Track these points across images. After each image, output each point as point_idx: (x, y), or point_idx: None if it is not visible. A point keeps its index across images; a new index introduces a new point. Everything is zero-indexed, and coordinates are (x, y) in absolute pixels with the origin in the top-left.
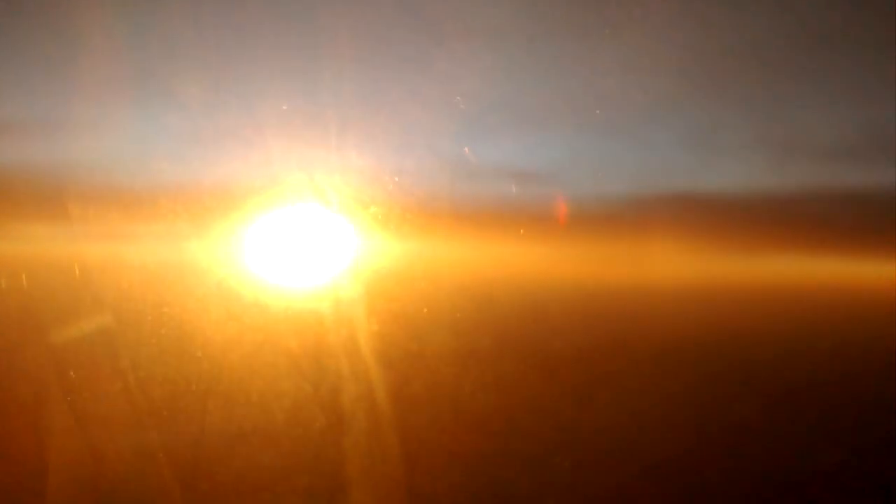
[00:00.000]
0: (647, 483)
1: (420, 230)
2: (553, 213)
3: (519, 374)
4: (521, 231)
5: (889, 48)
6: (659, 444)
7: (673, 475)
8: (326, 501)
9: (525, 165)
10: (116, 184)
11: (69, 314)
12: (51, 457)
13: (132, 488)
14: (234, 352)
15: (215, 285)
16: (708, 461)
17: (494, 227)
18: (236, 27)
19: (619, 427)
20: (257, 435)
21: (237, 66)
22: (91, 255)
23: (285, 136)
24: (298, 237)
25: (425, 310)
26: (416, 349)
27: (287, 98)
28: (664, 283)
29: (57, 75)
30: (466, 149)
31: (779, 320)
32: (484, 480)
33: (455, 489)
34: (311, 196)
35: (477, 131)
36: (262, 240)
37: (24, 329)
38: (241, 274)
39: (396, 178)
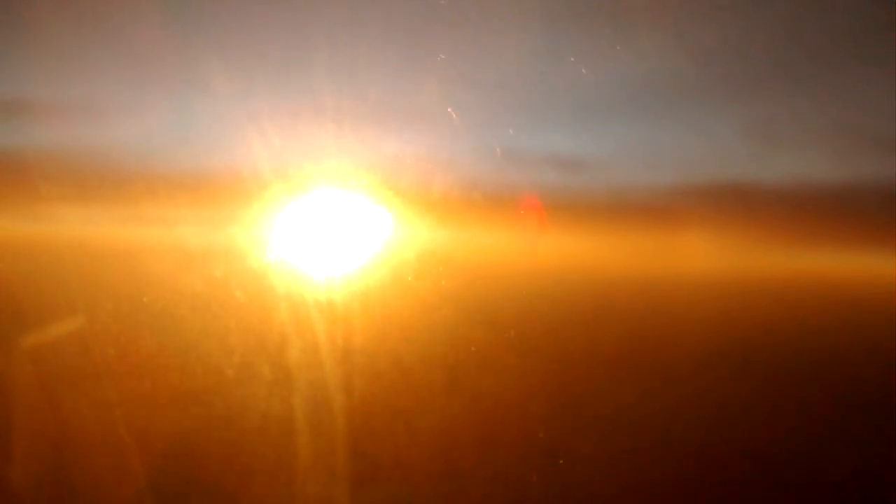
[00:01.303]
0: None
1: (455, 218)
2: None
3: (549, 366)
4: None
5: None
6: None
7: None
8: (345, 487)
9: (574, 153)
10: (146, 169)
11: (94, 295)
12: (71, 438)
13: (151, 470)
14: (259, 337)
15: (244, 270)
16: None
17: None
18: (267, 17)
19: (650, 422)
20: (280, 420)
21: (268, 54)
22: (119, 238)
23: (319, 124)
24: (330, 224)
25: (453, 298)
26: (442, 337)
27: (322, 85)
28: (711, 276)
29: (90, 62)
30: (497, 149)
31: (832, 314)
32: (509, 473)
33: (478, 479)
34: (342, 183)
35: (524, 118)
36: (295, 226)
37: (50, 307)
38: (272, 260)
39: (431, 166)
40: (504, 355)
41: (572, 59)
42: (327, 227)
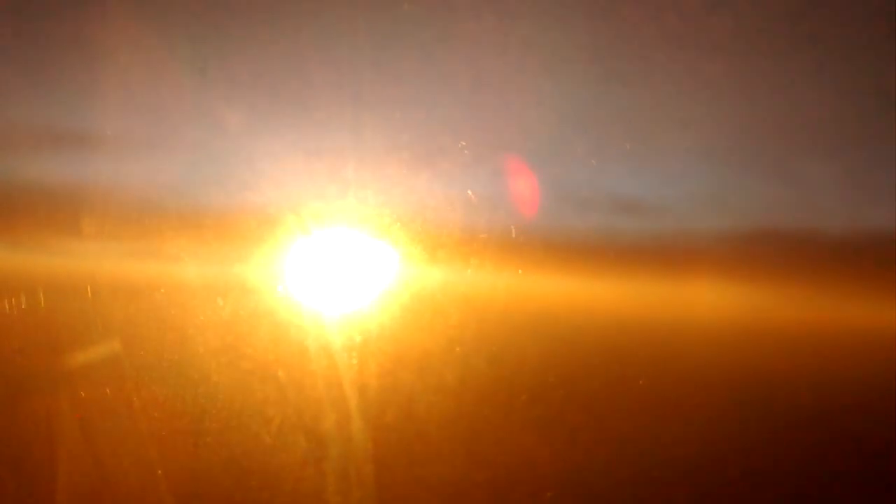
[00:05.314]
0: None
1: (471, 258)
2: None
3: (562, 413)
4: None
5: None
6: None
7: None
8: None
9: (636, 196)
10: (159, 205)
11: (99, 334)
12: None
13: None
14: (269, 374)
15: (256, 307)
16: None
17: (560, 259)
18: (284, 56)
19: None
20: (283, 459)
21: (282, 94)
22: (130, 274)
23: (333, 162)
24: (343, 262)
25: (464, 338)
26: (449, 379)
27: (336, 124)
28: (771, 324)
29: (105, 99)
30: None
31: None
32: None
33: None
34: (356, 221)
35: (590, 158)
36: (308, 264)
37: (57, 345)
38: (284, 297)
39: (446, 206)
40: (519, 397)
41: (640, 99)
42: (340, 265)
